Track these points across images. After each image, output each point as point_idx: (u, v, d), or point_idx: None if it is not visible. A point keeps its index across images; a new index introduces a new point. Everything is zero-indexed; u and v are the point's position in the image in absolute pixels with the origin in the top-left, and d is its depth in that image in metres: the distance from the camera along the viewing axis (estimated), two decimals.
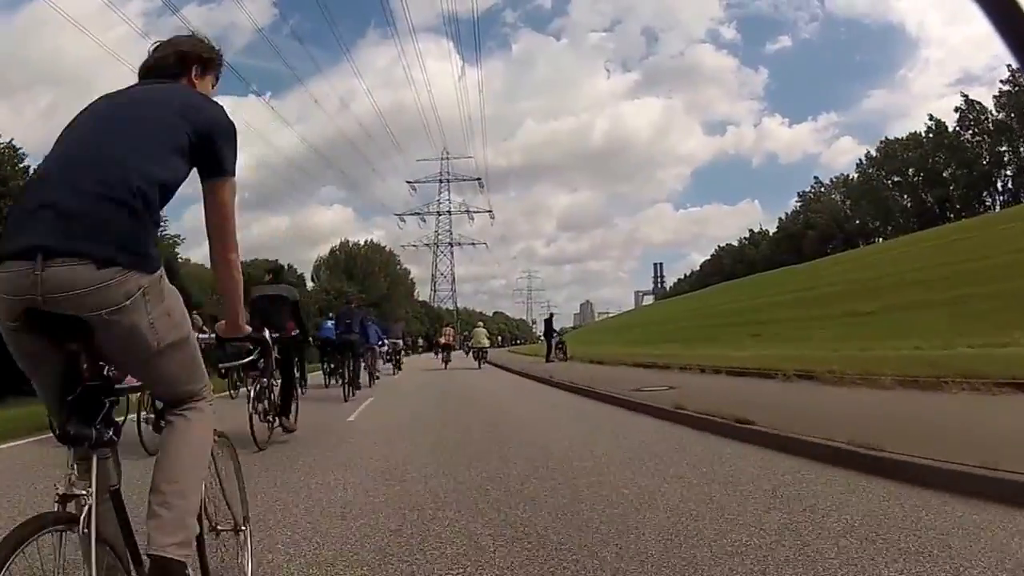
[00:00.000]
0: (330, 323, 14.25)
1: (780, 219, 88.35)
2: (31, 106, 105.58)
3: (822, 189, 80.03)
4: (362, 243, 57.73)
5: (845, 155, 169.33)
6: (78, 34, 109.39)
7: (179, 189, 1.63)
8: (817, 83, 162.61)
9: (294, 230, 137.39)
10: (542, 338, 23.61)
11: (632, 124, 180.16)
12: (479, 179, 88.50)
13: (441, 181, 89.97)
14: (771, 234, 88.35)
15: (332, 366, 13.52)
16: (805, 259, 63.24)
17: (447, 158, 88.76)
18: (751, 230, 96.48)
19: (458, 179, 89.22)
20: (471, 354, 23.50)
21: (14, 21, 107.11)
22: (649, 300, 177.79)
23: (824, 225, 72.11)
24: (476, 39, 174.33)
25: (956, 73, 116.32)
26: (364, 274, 54.91)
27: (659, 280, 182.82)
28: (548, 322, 22.88)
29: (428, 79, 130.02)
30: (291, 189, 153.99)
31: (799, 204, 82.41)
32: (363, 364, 13.03)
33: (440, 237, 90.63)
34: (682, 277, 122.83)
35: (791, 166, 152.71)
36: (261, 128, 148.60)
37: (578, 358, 19.80)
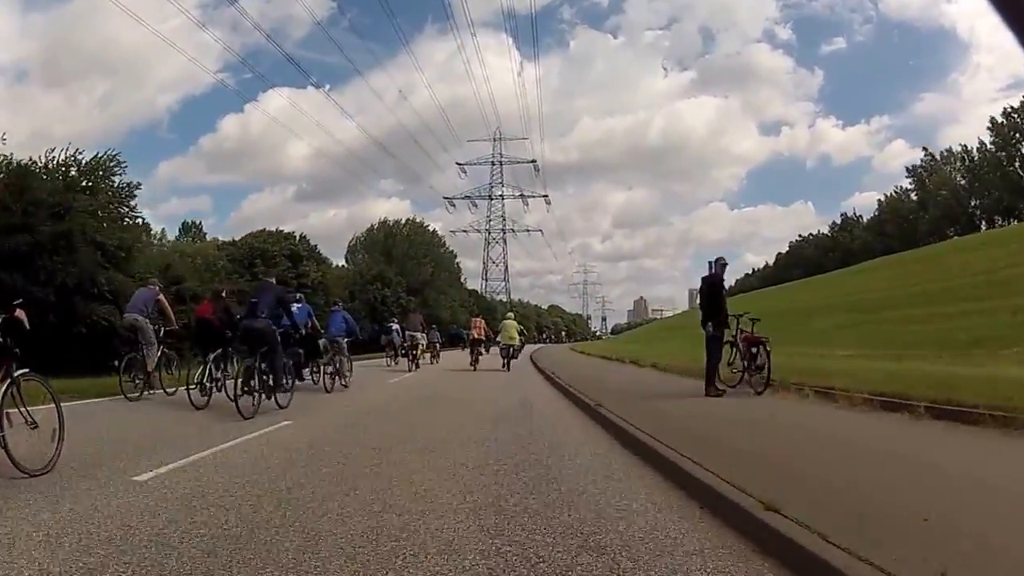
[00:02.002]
0: (296, 307, 10.80)
1: (880, 200, 76.48)
2: (86, 96, 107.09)
3: (933, 163, 67.70)
4: (403, 221, 52.16)
5: (897, 159, 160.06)
6: (132, 22, 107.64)
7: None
8: (870, 86, 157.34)
9: (351, 222, 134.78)
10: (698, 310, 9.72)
11: (688, 123, 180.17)
12: (534, 161, 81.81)
13: (494, 164, 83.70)
14: (865, 220, 77.13)
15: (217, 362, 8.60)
16: (912, 245, 53.84)
17: (500, 139, 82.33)
18: (843, 214, 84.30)
19: (512, 161, 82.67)
20: (500, 352, 19.59)
21: (68, 9, 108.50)
22: None
23: (945, 204, 60.25)
24: (535, 35, 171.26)
25: (1007, 78, 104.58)
26: (405, 256, 49.04)
27: None
28: (713, 280, 9.46)
29: (487, 74, 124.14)
30: (349, 181, 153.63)
31: (909, 180, 70.83)
32: (285, 363, 8.71)
33: (492, 223, 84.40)
34: (750, 272, 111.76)
35: (844, 168, 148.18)
36: (319, 120, 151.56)
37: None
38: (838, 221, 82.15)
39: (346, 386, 11.74)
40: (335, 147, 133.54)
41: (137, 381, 9.00)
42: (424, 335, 20.27)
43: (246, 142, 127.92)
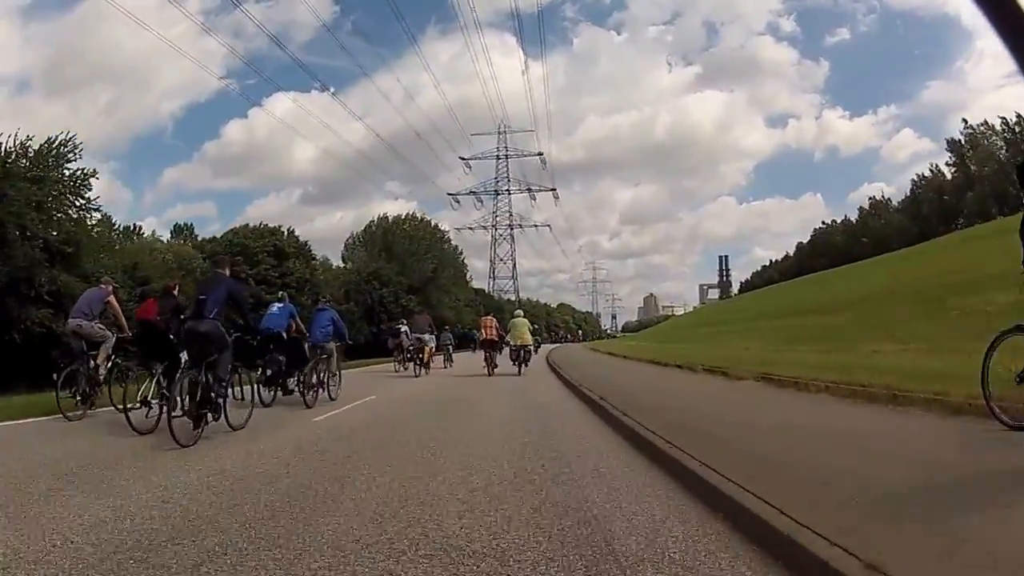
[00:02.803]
0: (277, 307, 10.14)
1: (913, 179, 70.40)
2: (90, 105, 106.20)
3: (974, 136, 62.11)
4: (403, 216, 48.50)
5: (905, 148, 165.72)
6: (136, 30, 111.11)
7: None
8: (876, 76, 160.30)
9: (358, 224, 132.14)
10: None
11: (694, 118, 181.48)
12: (540, 154, 78.20)
13: (499, 158, 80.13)
14: (896, 203, 71.92)
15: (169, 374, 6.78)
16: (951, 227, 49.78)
17: (505, 132, 78.72)
18: (871, 198, 78.58)
19: (519, 154, 79.07)
20: (511, 355, 17.10)
21: (70, 18, 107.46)
22: (714, 294, 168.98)
23: (992, 179, 53.64)
24: (541, 34, 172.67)
25: (1012, 64, 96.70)
26: (405, 253, 45.43)
27: (724, 273, 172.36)
28: None
29: (491, 73, 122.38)
30: (355, 183, 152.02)
31: (950, 154, 64.39)
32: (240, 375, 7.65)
33: (499, 219, 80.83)
34: (767, 264, 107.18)
35: (852, 159, 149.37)
36: (324, 123, 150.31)
37: None
38: (851, 211, 78.19)
39: (333, 398, 10.06)
40: (340, 150, 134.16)
41: (79, 397, 7.77)
42: (432, 336, 18.58)
43: (251, 147, 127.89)
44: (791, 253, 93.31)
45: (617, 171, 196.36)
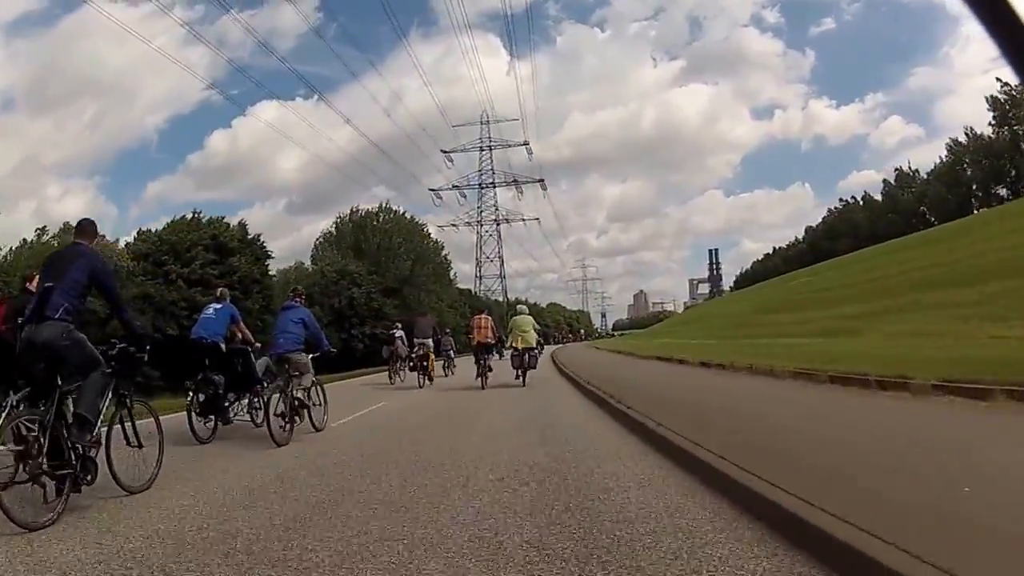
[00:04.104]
0: (213, 308, 7.72)
1: (948, 143, 62.71)
2: (74, 120, 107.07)
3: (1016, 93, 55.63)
4: (375, 209, 42.91)
5: (893, 135, 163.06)
6: (118, 44, 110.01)
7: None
8: (863, 64, 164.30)
9: None
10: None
11: (680, 112, 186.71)
12: (527, 143, 73.33)
13: (482, 149, 75.14)
14: (924, 173, 65.92)
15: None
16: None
17: (488, 122, 73.73)
18: (897, 168, 71.44)
19: (503, 145, 74.11)
20: (512, 360, 14.05)
21: (52, 34, 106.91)
22: (704, 288, 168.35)
23: None
24: (530, 33, 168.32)
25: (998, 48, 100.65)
26: (379, 250, 40.07)
27: (715, 267, 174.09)
28: None
29: (478, 74, 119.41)
30: (341, 191, 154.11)
31: (993, 114, 56.69)
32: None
33: (484, 215, 75.80)
34: (771, 251, 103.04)
35: (839, 148, 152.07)
36: (307, 131, 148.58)
37: None
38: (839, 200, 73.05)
39: (319, 428, 7.57)
40: (325, 157, 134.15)
41: None
42: (434, 342, 16.53)
43: (234, 158, 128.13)
44: (800, 238, 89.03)
45: (604, 168, 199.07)
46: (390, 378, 16.65)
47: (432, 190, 72.38)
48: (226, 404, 7.27)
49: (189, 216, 27.22)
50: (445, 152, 73.23)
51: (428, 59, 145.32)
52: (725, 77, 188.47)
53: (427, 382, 14.96)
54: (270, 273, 29.26)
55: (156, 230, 27.55)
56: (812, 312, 23.21)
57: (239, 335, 7.65)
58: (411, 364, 15.90)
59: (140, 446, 4.66)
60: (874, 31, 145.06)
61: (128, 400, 4.71)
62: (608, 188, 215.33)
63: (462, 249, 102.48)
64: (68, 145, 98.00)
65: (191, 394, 7.18)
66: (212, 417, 7.13)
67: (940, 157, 64.14)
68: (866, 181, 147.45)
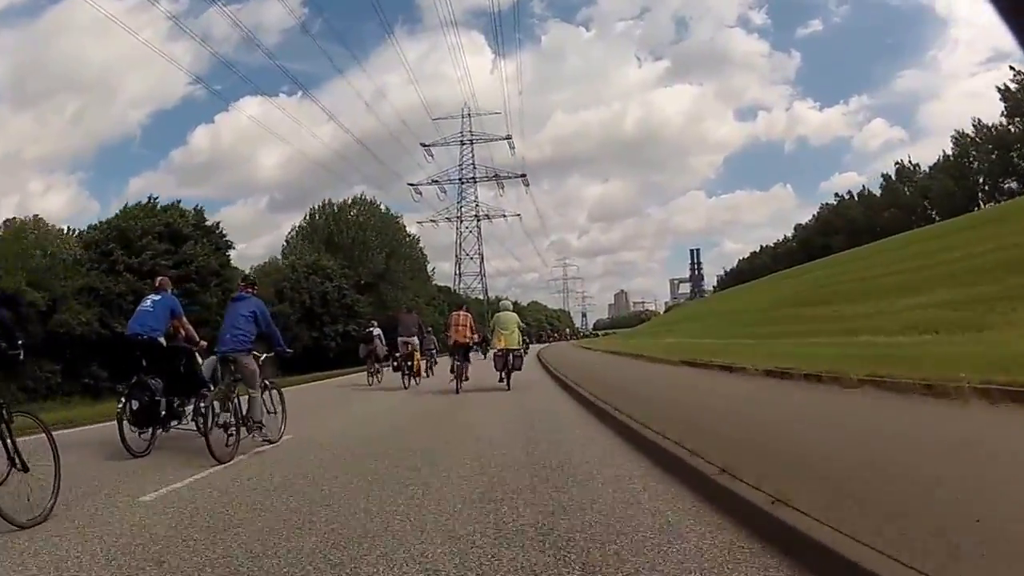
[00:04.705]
0: (151, 300, 6.86)
1: (954, 135, 59.74)
2: (56, 115, 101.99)
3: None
4: (349, 201, 40.55)
5: (876, 138, 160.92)
6: (101, 39, 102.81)
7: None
8: (849, 66, 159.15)
9: None
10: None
11: (663, 112, 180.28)
12: (509, 137, 71.30)
13: (463, 143, 73.05)
14: (925, 167, 62.99)
15: None
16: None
17: (470, 115, 71.68)
18: (897, 161, 68.19)
19: (485, 139, 72.00)
20: (495, 361, 12.54)
21: (36, 27, 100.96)
22: (685, 288, 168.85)
23: None
24: (516, 31, 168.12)
25: (986, 52, 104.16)
26: (352, 244, 37.97)
27: (696, 267, 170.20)
28: None
29: (463, 72, 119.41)
30: (322, 188, 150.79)
31: (1004, 104, 53.92)
32: None
33: (464, 210, 73.72)
34: (757, 250, 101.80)
35: (822, 150, 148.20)
36: (290, 128, 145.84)
37: None
38: (822, 201, 71.32)
39: (273, 440, 6.47)
40: (307, 153, 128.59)
41: None
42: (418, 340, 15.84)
43: (217, 155, 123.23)
44: (788, 236, 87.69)
45: (586, 167, 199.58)
46: (368, 379, 16.00)
47: (411, 184, 70.11)
48: (163, 412, 6.31)
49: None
50: (425, 146, 71.02)
51: (412, 56, 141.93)
52: (710, 78, 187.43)
53: (412, 382, 14.28)
54: (232, 264, 27.08)
55: (103, 222, 25.38)
56: (879, 302, 18.28)
57: (182, 331, 6.82)
58: (394, 364, 15.25)
59: (25, 469, 3.84)
60: (861, 33, 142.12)
61: (4, 411, 3.87)
62: (590, 188, 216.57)
63: (441, 247, 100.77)
64: (50, 140, 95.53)
65: (123, 400, 6.24)
66: (152, 426, 6.26)
67: (943, 151, 62.61)
68: (848, 183, 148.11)
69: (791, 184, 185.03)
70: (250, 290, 6.88)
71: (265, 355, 6.74)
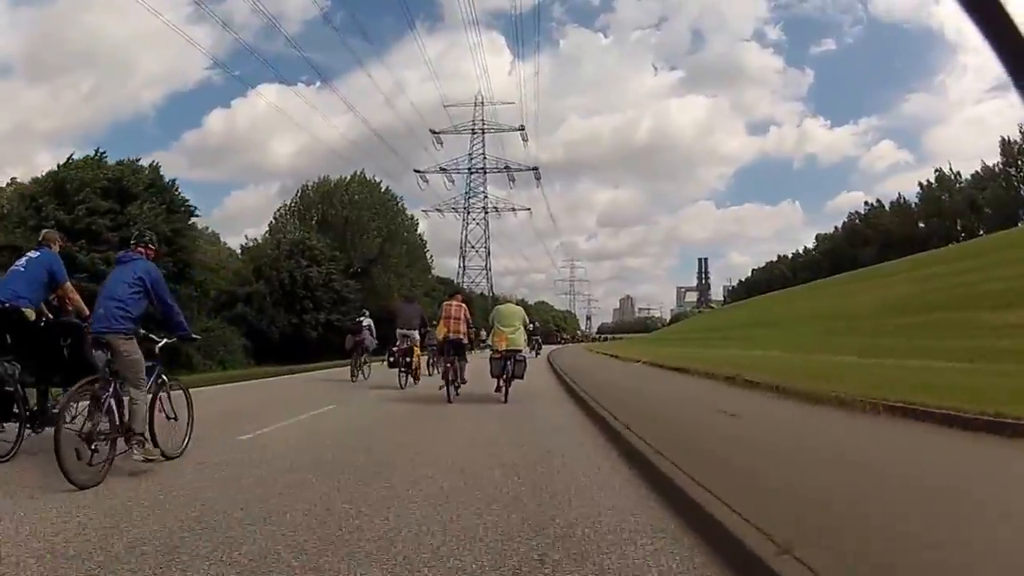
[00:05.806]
0: (25, 259, 5.49)
1: (1001, 141, 56.53)
2: (71, 91, 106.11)
3: None
4: (347, 178, 36.13)
5: (883, 159, 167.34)
6: (120, 17, 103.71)
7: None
8: (859, 87, 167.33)
9: None
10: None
11: (676, 122, 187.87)
12: (522, 128, 67.89)
13: (474, 132, 69.58)
14: (966, 176, 59.51)
15: None
16: None
17: (483, 103, 68.15)
18: (937, 169, 64.36)
19: (497, 129, 68.60)
20: (492, 365, 10.12)
21: (58, 3, 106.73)
22: (692, 297, 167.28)
23: None
24: (537, 33, 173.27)
25: (993, 80, 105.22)
26: (347, 223, 34.04)
27: (704, 276, 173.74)
28: None
29: (483, 70, 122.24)
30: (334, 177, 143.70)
31: None
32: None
33: (472, 202, 70.14)
34: (774, 259, 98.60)
35: (830, 168, 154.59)
36: (305, 117, 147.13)
37: None
38: (827, 220, 67.30)
39: (170, 456, 5.12)
40: (323, 143, 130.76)
41: None
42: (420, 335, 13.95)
43: (231, 139, 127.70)
44: (810, 247, 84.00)
45: (596, 173, 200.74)
46: (352, 374, 14.43)
47: (417, 171, 66.42)
48: (27, 407, 4.93)
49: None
50: (434, 132, 67.40)
51: (431, 53, 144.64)
52: (723, 90, 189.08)
53: (411, 382, 12.81)
54: (194, 235, 23.17)
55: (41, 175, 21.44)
56: None
57: (68, 301, 5.48)
58: (390, 360, 13.71)
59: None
60: (873, 55, 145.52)
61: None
62: (600, 193, 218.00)
63: (447, 242, 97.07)
64: (62, 114, 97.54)
65: None
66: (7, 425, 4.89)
67: (982, 161, 59.83)
68: (854, 202, 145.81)
69: (800, 201, 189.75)
70: (142, 250, 5.15)
71: (165, 340, 5.36)
